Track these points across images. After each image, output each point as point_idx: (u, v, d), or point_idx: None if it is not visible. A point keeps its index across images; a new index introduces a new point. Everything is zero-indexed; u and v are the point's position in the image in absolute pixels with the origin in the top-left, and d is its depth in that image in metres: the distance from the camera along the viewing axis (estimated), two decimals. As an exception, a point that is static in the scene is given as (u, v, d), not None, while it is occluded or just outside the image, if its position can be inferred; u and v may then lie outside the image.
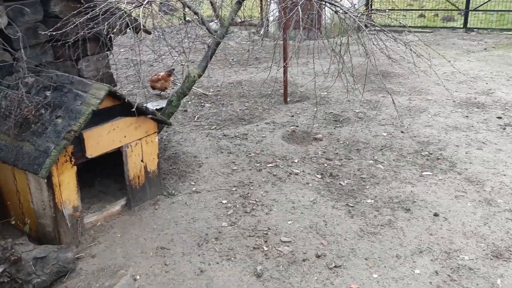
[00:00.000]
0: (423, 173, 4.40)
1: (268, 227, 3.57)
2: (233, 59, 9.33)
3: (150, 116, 3.69)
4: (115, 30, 3.91)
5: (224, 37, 4.57)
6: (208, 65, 4.57)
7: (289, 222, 3.62)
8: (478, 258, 3.19)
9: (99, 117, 3.37)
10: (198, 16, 4.43)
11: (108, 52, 4.99)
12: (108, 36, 4.62)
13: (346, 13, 3.92)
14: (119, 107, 3.48)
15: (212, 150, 4.92)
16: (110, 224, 3.63)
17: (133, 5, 3.94)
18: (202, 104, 6.64)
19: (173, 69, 6.77)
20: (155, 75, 6.95)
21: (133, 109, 3.36)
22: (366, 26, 3.97)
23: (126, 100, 3.37)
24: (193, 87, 7.32)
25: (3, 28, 3.99)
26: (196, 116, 6.12)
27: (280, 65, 6.28)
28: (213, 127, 5.67)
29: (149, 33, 4.90)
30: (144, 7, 3.87)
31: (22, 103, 3.22)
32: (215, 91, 7.28)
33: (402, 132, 5.38)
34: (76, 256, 3.19)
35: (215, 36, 4.45)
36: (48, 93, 3.40)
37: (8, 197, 3.56)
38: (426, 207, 3.80)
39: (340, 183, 4.26)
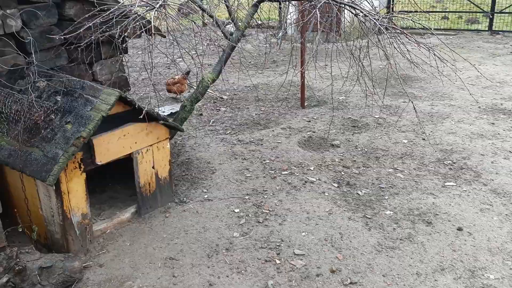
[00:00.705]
0: (446, 184, 4.20)
1: (281, 238, 3.43)
2: (250, 62, 9.22)
3: (162, 122, 3.60)
4: (126, 33, 3.85)
5: (239, 40, 4.46)
6: (225, 68, 4.47)
7: (303, 233, 3.48)
8: (504, 277, 2.99)
9: (110, 123, 3.29)
10: (213, 19, 4.33)
11: (122, 56, 4.94)
12: (122, 39, 4.57)
13: (367, 16, 3.76)
14: (130, 113, 3.40)
15: (226, 156, 4.81)
16: (120, 232, 3.55)
17: (147, 8, 3.87)
18: (218, 108, 6.54)
19: (189, 71, 6.70)
20: (172, 78, 6.89)
21: (142, 115, 3.28)
22: (387, 29, 3.81)
23: (136, 106, 3.29)
24: (209, 91, 7.28)
25: (14, 31, 3.96)
26: (211, 120, 6.03)
27: (297, 68, 6.14)
28: (228, 132, 5.56)
29: (164, 36, 4.83)
30: (156, 10, 3.79)
31: (31, 108, 3.16)
32: (231, 94, 7.18)
33: (423, 139, 5.18)
34: (84, 265, 3.12)
35: (230, 40, 4.34)
36: (59, 98, 3.34)
37: (18, 203, 3.51)
38: (449, 221, 3.61)
39: (357, 193, 4.09)
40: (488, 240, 3.36)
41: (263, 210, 3.80)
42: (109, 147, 3.30)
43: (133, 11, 3.75)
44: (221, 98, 7.02)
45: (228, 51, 4.36)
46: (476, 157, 4.67)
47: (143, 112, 3.29)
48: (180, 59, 5.83)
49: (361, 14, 3.83)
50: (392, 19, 3.77)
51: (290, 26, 10.89)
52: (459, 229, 3.49)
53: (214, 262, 3.18)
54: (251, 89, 7.38)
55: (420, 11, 12.80)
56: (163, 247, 3.34)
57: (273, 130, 5.54)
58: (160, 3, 3.55)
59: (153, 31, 3.84)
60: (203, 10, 4.29)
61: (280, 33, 11.09)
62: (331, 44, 5.09)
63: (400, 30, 3.70)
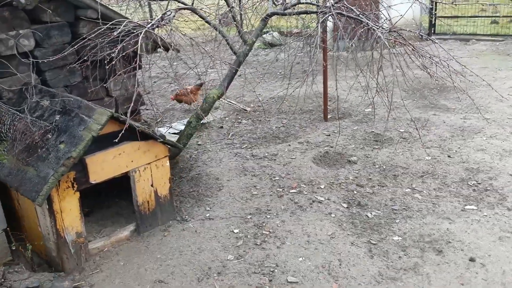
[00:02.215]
0: (466, 207, 3.87)
1: (276, 263, 3.29)
2: (280, 72, 9.10)
3: (161, 140, 3.57)
4: (139, 50, 3.87)
5: (247, 55, 4.37)
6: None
7: (300, 259, 3.31)
8: (517, 318, 2.69)
9: (104, 141, 3.29)
10: (218, 31, 4.27)
11: (136, 71, 5.00)
12: (137, 55, 4.62)
13: (373, 28, 3.55)
14: (127, 131, 3.39)
15: (236, 172, 4.71)
16: (117, 250, 3.54)
17: (153, 25, 3.87)
18: (239, 121, 6.47)
19: (202, 83, 6.72)
20: (184, 88, 6.88)
21: (138, 134, 3.26)
22: (394, 42, 3.58)
23: (129, 125, 3.27)
24: (232, 102, 7.24)
25: (28, 50, 4.09)
26: (231, 133, 5.96)
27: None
28: (244, 146, 5.47)
29: (178, 51, 4.83)
30: (160, 27, 3.78)
31: (27, 128, 3.23)
32: (255, 106, 7.09)
33: (449, 156, 4.83)
34: (74, 285, 3.12)
35: (237, 55, 4.26)
36: (58, 117, 3.40)
37: (22, 219, 3.61)
38: (461, 250, 3.31)
39: (366, 215, 3.86)
40: (503, 273, 3.04)
41: (263, 231, 3.67)
42: (104, 166, 3.30)
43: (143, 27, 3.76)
44: (245, 110, 6.95)
45: (234, 67, 4.29)
46: (504, 178, 4.28)
47: (137, 131, 3.27)
48: (188, 73, 5.77)
49: (369, 26, 3.63)
50: (399, 32, 3.53)
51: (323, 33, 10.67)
52: (472, 259, 3.19)
53: (203, 286, 3.09)
54: (276, 101, 7.26)
55: (465, 16, 12.18)
56: (155, 269, 3.29)
57: (289, 145, 5.38)
58: (160, 22, 3.54)
59: (156, 46, 3.84)
60: (208, 22, 4.23)
61: (315, 42, 10.90)
62: (362, 52, 4.87)
63: (409, 43, 3.46)
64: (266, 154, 5.16)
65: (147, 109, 7.37)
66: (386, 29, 3.48)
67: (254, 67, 9.43)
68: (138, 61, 4.84)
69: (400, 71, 3.98)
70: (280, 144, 5.48)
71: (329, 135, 5.62)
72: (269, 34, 11.49)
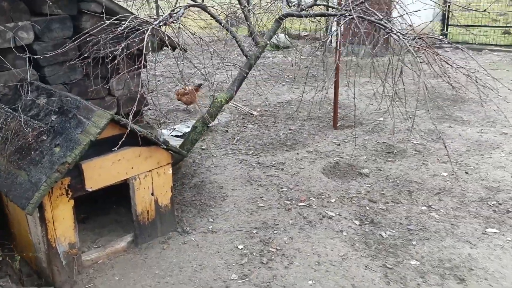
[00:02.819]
0: (487, 230, 3.62)
1: (284, 285, 3.03)
2: (288, 76, 8.85)
3: (164, 146, 3.32)
4: (138, 47, 3.64)
5: (258, 58, 4.12)
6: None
7: (310, 281, 3.06)
8: None
9: (103, 146, 3.05)
10: (228, 31, 4.01)
11: (140, 70, 4.75)
12: (142, 53, 4.36)
13: (397, 35, 3.30)
14: (128, 136, 3.14)
15: (242, 181, 4.46)
16: (112, 263, 3.29)
17: (161, 22, 3.62)
18: (245, 125, 6.22)
19: (201, 84, 6.50)
20: (182, 88, 6.66)
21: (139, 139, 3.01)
22: (417, 49, 3.33)
23: (131, 129, 3.02)
24: (239, 105, 6.99)
25: (26, 44, 3.84)
26: (236, 138, 5.71)
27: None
28: (250, 153, 5.22)
29: (185, 50, 4.58)
30: (168, 25, 3.54)
31: (21, 128, 2.98)
32: (262, 110, 6.84)
33: (466, 173, 4.58)
34: (64, 300, 2.88)
35: (248, 58, 4.01)
36: (54, 117, 3.15)
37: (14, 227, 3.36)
38: (485, 279, 3.06)
39: (380, 234, 3.61)
40: (533, 309, 2.79)
41: (270, 249, 3.42)
42: (101, 172, 3.05)
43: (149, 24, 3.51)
44: (251, 114, 6.70)
45: (245, 70, 4.04)
46: (527, 199, 4.03)
47: (139, 136, 3.03)
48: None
49: (394, 34, 3.38)
50: (424, 39, 3.28)
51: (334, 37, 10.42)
52: (497, 291, 2.94)
53: (204, 308, 2.84)
54: (284, 105, 7.01)
55: (477, 25, 11.91)
56: (153, 286, 3.04)
57: (297, 153, 5.13)
58: (166, 19, 3.29)
59: (160, 46, 3.60)
60: (219, 22, 3.98)
61: (324, 45, 10.66)
62: (379, 58, 4.62)
63: (434, 52, 3.20)
64: (273, 162, 4.90)
65: (150, 109, 7.14)
66: (409, 35, 3.22)
67: (262, 70, 9.17)
68: (143, 60, 4.60)
69: (412, 79, 3.74)
70: (288, 152, 5.23)
71: (339, 144, 5.37)
72: (277, 36, 11.24)
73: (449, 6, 10.31)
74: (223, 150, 5.34)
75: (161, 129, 5.91)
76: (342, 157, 5.00)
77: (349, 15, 3.48)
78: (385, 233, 3.63)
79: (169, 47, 4.35)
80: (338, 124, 6.05)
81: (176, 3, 3.77)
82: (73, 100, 3.17)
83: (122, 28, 3.17)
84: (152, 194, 3.42)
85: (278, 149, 5.37)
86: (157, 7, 8.64)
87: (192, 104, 6.56)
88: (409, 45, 3.06)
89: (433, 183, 4.40)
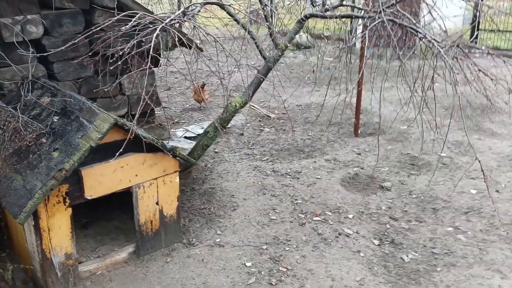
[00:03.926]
0: (520, 258, 3.30)
1: (293, 311, 2.79)
2: (309, 78, 8.55)
3: (172, 153, 3.10)
4: (149, 45, 3.42)
5: (277, 61, 3.86)
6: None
7: (322, 309, 2.80)
8: None
9: (106, 151, 2.84)
10: (247, 31, 3.76)
11: (152, 68, 4.54)
12: (156, 51, 4.16)
13: (431, 42, 3.00)
14: (132, 141, 2.93)
15: (254, 190, 4.22)
16: (111, 275, 3.09)
17: (172, 20, 3.40)
18: (262, 128, 5.97)
19: (204, 84, 6.33)
20: (193, 86, 6.50)
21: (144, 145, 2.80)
22: (455, 58, 3.03)
23: (135, 135, 2.81)
24: (256, 107, 6.75)
25: (30, 38, 3.67)
26: (251, 142, 5.47)
27: (355, 88, 5.39)
28: (265, 158, 4.97)
29: (201, 50, 4.36)
30: (181, 23, 3.32)
31: (17, 129, 2.80)
32: (280, 113, 6.57)
33: (497, 191, 4.24)
34: (57, 316, 2.69)
35: (267, 60, 3.76)
36: (56, 118, 2.96)
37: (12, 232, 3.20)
38: (518, 316, 2.75)
39: (401, 257, 3.32)
40: None
41: (280, 268, 3.17)
42: (102, 180, 2.85)
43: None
44: (268, 116, 6.44)
45: (263, 73, 3.79)
46: None
47: (143, 142, 2.81)
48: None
49: (426, 39, 3.08)
50: (461, 47, 2.97)
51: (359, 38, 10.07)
52: (532, 333, 2.63)
53: (205, 333, 2.62)
54: (303, 109, 6.73)
55: (506, 30, 11.35)
56: (152, 304, 2.83)
57: (315, 161, 4.86)
58: (177, 18, 3.06)
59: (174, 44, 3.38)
60: (237, 21, 3.73)
61: (346, 46, 10.32)
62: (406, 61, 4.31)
63: (473, 62, 2.90)
64: (289, 170, 4.64)
65: (164, 108, 6.95)
66: (444, 43, 2.92)
67: (281, 71, 8.90)
68: (156, 58, 4.39)
69: (439, 85, 3.44)
70: (305, 159, 4.96)
71: (360, 153, 5.07)
72: (299, 35, 10.93)
73: (480, 10, 9.85)
74: (237, 155, 5.11)
75: (174, 130, 5.72)
76: (362, 168, 4.71)
77: (378, 17, 3.19)
78: (407, 256, 3.34)
79: (185, 45, 4.14)
80: (359, 131, 5.75)
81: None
82: (77, 101, 2.97)
83: (129, 25, 2.95)
84: (157, 203, 3.21)
85: (295, 155, 5.11)
86: (179, 2, 8.44)
87: (202, 102, 6.39)
88: (444, 54, 2.75)
89: (461, 201, 4.08)
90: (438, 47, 2.79)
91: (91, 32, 3.32)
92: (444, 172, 4.63)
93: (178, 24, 3.74)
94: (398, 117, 5.97)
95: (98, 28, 3.41)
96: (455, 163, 4.84)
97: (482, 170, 3.14)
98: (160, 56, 4.27)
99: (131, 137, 2.81)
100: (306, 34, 10.95)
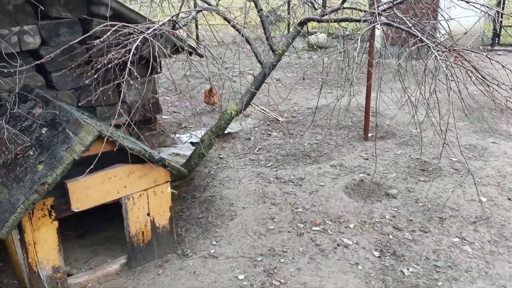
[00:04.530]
0: (529, 272, 3.11)
1: (282, 328, 2.70)
2: (322, 79, 8.39)
3: (160, 164, 3.06)
4: (142, 52, 3.40)
5: (275, 67, 3.77)
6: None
7: (312, 326, 2.70)
8: None
9: (91, 164, 2.81)
10: (243, 36, 3.69)
11: (153, 76, 4.53)
12: (156, 59, 4.14)
13: (429, 45, 2.85)
14: (120, 153, 2.90)
15: (254, 198, 4.14)
16: (102, 287, 3.07)
17: (155, 31, 3.35)
18: (269, 132, 5.88)
19: (211, 88, 6.33)
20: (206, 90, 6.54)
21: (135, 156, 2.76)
22: (454, 60, 2.88)
23: (120, 146, 2.77)
24: (265, 110, 6.66)
25: (28, 48, 3.68)
26: (258, 147, 5.39)
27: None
28: (270, 164, 4.88)
29: (201, 56, 4.31)
30: (178, 30, 3.27)
31: (8, 140, 2.81)
32: (290, 116, 6.47)
33: (509, 199, 4.03)
34: (43, 329, 2.68)
35: (263, 66, 3.68)
36: (44, 130, 2.96)
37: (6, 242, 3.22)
38: (522, 338, 2.58)
39: (402, 270, 3.18)
40: None
41: (273, 281, 3.08)
42: (90, 192, 2.83)
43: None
44: (277, 120, 6.34)
45: (260, 79, 3.70)
46: None
47: (128, 154, 2.77)
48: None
49: (422, 43, 2.93)
50: (460, 51, 2.80)
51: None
52: None
53: None
54: (313, 112, 6.59)
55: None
56: (139, 318, 2.79)
57: (320, 167, 4.74)
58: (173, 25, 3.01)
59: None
60: (234, 27, 3.66)
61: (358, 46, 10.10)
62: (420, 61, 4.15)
63: (471, 65, 2.74)
64: (292, 177, 4.54)
65: (174, 112, 6.95)
66: (443, 46, 2.76)
67: (295, 72, 8.80)
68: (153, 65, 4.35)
69: (455, 86, 3.26)
70: (310, 165, 4.85)
71: (368, 159, 4.92)
72: (315, 35, 10.78)
73: (503, 8, 9.46)
74: (241, 160, 5.03)
75: (179, 134, 5.69)
76: (368, 174, 4.56)
77: (374, 21, 3.07)
78: (408, 269, 3.19)
79: (185, 51, 4.10)
80: (369, 135, 5.59)
81: (181, 6, 3.49)
82: (65, 112, 2.96)
83: (105, 36, 2.93)
84: (148, 214, 3.17)
85: (301, 161, 5.00)
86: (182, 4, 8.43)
87: (215, 104, 6.39)
88: (440, 58, 2.60)
89: (470, 209, 3.89)
90: (434, 50, 2.64)
91: (82, 38, 3.32)
92: (454, 178, 4.44)
93: (180, 30, 3.70)
94: (409, 120, 5.79)
95: (84, 37, 3.41)
96: (467, 168, 4.62)
97: (475, 183, 2.96)
98: (158, 63, 4.24)
99: (117, 148, 2.78)
100: (324, 34, 10.79)
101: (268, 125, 6.15)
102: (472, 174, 3.06)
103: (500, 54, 9.25)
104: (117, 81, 2.94)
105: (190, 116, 6.57)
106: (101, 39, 3.01)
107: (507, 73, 3.18)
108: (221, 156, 5.17)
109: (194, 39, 3.31)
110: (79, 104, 4.11)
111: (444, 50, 2.69)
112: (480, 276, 3.10)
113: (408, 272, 3.16)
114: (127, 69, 2.78)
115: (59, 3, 3.75)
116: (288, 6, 8.22)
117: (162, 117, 6.61)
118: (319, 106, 6.79)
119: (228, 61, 9.35)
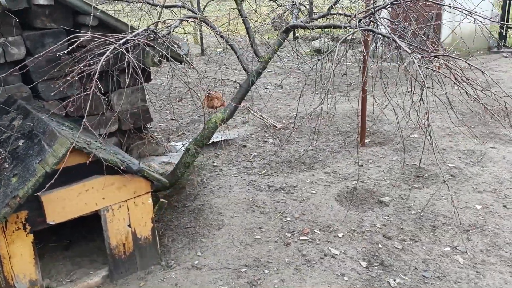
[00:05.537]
0: (521, 283, 2.99)
1: None
2: (323, 84, 8.30)
3: (140, 174, 3.02)
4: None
5: (260, 74, 3.72)
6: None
7: None
8: None
9: (67, 175, 2.79)
10: (228, 44, 3.65)
11: (142, 84, 4.51)
12: (145, 67, 4.13)
13: (407, 52, 2.78)
14: (97, 164, 2.87)
15: (243, 207, 4.08)
16: (82, 299, 3.04)
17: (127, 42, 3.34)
18: (266, 139, 5.83)
19: (209, 94, 6.30)
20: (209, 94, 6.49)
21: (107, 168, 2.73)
22: (438, 67, 2.80)
23: (96, 158, 2.75)
24: (263, 116, 6.61)
25: (13, 59, 3.69)
26: (253, 155, 5.34)
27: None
28: (263, 172, 4.82)
29: (189, 62, 4.28)
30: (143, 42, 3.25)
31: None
32: (288, 123, 6.41)
33: (504, 206, 3.91)
34: None
35: (248, 74, 3.63)
36: (21, 142, 2.95)
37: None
38: None
39: (388, 281, 3.09)
40: None
41: (255, 293, 3.02)
42: (66, 204, 2.80)
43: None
44: (275, 126, 6.29)
45: (245, 87, 3.66)
46: None
47: (103, 165, 2.74)
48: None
49: (401, 49, 2.85)
50: (444, 59, 2.72)
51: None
52: None
53: None
54: (312, 117, 6.50)
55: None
56: (116, 332, 2.75)
57: (313, 174, 4.67)
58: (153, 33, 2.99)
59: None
60: (221, 36, 3.62)
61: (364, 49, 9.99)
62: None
63: (444, 74, 2.65)
64: (284, 185, 4.48)
65: (173, 119, 6.93)
66: (420, 52, 2.68)
67: (297, 77, 8.74)
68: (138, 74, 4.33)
69: (457, 90, 3.17)
70: (304, 172, 4.78)
71: (362, 165, 4.83)
72: (319, 40, 10.72)
73: (508, 11, 9.31)
74: (235, 168, 4.99)
75: (174, 143, 5.67)
76: (362, 181, 4.47)
77: (355, 27, 3.00)
78: (395, 280, 3.10)
79: (173, 59, 4.07)
80: (366, 141, 5.51)
81: (160, 15, 3.46)
82: (42, 124, 2.95)
83: (86, 50, 2.92)
84: (129, 226, 3.13)
85: (295, 168, 4.94)
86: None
87: (217, 108, 6.36)
88: (418, 65, 2.53)
89: (463, 217, 3.78)
90: (412, 56, 2.57)
91: (61, 51, 3.32)
92: (450, 185, 4.32)
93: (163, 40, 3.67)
94: (406, 125, 5.69)
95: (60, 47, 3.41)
96: (464, 175, 4.52)
97: (450, 196, 2.86)
98: (145, 73, 4.24)
99: (93, 160, 2.76)
100: (327, 39, 10.71)
101: (265, 131, 6.10)
102: (447, 183, 2.93)
103: (506, 56, 9.08)
104: (84, 93, 2.90)
105: (188, 123, 6.56)
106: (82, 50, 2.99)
107: (508, 76, 3.08)
108: (215, 164, 5.14)
109: (175, 49, 3.26)
110: (66, 114, 4.11)
111: (421, 56, 2.61)
112: (470, 287, 2.99)
113: (395, 283, 3.07)
114: (94, 82, 2.75)
115: (44, 14, 3.75)
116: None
117: (160, 124, 6.62)
118: (319, 112, 6.72)
119: (231, 67, 9.34)
